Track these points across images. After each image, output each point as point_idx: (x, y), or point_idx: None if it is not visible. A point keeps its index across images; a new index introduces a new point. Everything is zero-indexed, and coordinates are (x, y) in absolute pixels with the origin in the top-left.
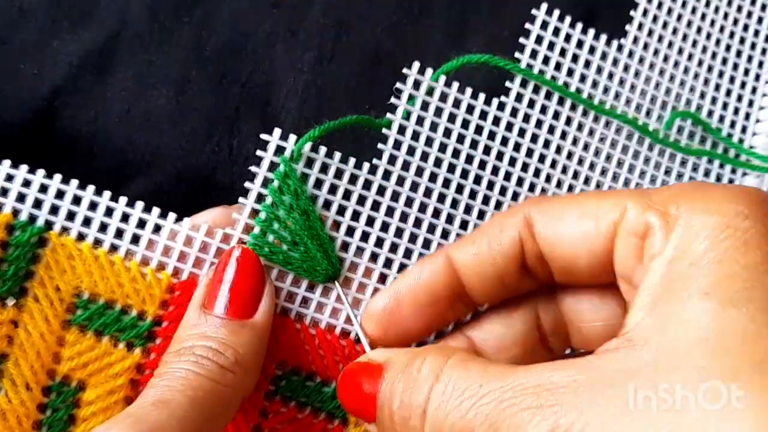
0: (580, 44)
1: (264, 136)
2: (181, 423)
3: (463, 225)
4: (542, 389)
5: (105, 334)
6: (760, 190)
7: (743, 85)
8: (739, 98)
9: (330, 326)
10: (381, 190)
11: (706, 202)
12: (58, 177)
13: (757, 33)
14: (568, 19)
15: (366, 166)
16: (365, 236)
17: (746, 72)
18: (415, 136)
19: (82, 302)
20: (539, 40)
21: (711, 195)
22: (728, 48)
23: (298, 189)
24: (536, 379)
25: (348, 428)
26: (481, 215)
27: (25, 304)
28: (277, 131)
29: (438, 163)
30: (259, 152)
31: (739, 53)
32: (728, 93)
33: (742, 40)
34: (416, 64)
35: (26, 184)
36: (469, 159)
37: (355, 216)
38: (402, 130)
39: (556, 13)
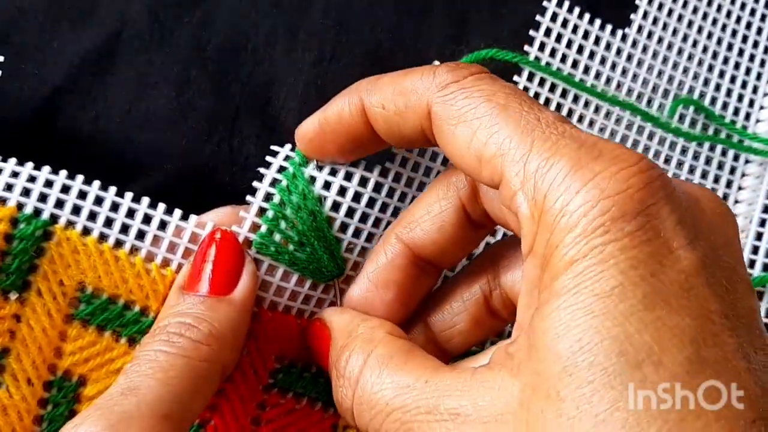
0: (585, 35)
1: (274, 148)
2: (151, 407)
3: None
4: (434, 416)
5: (107, 330)
6: (644, 171)
7: (748, 71)
8: (744, 84)
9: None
10: (390, 192)
11: (571, 201)
12: (63, 173)
13: (764, 17)
14: (576, 10)
15: (378, 168)
16: (369, 238)
17: (751, 58)
18: None
19: (85, 297)
20: (548, 32)
21: (577, 186)
22: (734, 33)
23: (306, 189)
24: (428, 404)
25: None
26: None
27: (28, 298)
28: (288, 146)
29: (445, 163)
30: (268, 158)
31: (745, 38)
32: (732, 79)
33: (748, 25)
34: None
35: (31, 179)
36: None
37: (363, 218)
38: None
39: (566, 4)
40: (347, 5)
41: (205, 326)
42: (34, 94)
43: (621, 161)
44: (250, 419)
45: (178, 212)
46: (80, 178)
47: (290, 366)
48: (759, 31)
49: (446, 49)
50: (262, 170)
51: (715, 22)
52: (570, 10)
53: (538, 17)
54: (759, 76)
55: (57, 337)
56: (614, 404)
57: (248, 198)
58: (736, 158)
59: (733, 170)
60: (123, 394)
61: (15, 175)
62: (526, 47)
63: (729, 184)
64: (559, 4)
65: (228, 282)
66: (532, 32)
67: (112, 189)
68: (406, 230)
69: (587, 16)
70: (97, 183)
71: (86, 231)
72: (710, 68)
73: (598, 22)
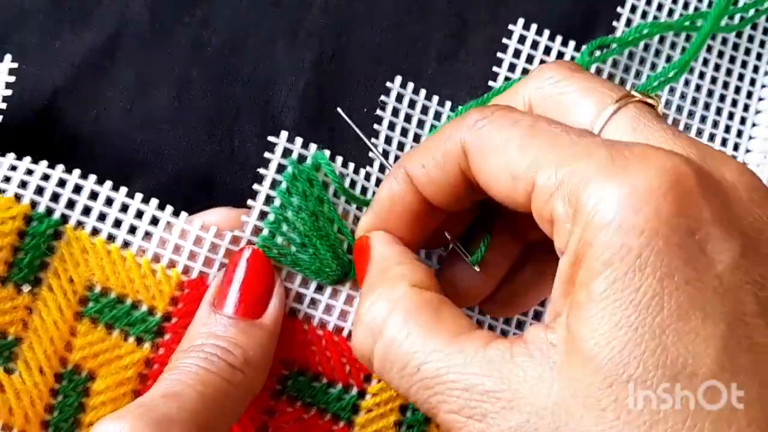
0: (560, 57)
1: (272, 139)
2: (191, 416)
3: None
4: (472, 394)
5: (116, 328)
6: (678, 170)
7: (737, 90)
8: (734, 103)
9: (338, 328)
10: None
11: (603, 198)
12: (77, 172)
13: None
14: (546, 33)
15: (377, 164)
16: None
17: (740, 77)
18: (417, 139)
19: (94, 295)
20: (516, 53)
21: (611, 186)
22: (720, 55)
23: (307, 190)
24: (466, 381)
25: (353, 430)
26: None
27: (40, 292)
28: (284, 134)
29: None
30: (267, 154)
31: (732, 59)
32: (722, 98)
33: (735, 46)
34: (398, 79)
35: (45, 177)
36: None
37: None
38: (404, 132)
39: (534, 27)
40: (347, 5)
41: (239, 353)
42: (34, 94)
43: (654, 160)
44: (258, 425)
45: (183, 215)
46: (92, 177)
47: (299, 373)
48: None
49: (446, 49)
50: (261, 171)
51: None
52: (539, 32)
53: (504, 39)
54: (749, 95)
55: (67, 332)
56: (653, 417)
57: (249, 202)
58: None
59: (736, 148)
60: (165, 396)
61: (30, 172)
62: (495, 68)
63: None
64: (526, 27)
65: (258, 305)
66: (499, 54)
67: (123, 189)
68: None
69: (559, 38)
70: (108, 183)
71: (95, 231)
72: (698, 88)
73: (572, 43)
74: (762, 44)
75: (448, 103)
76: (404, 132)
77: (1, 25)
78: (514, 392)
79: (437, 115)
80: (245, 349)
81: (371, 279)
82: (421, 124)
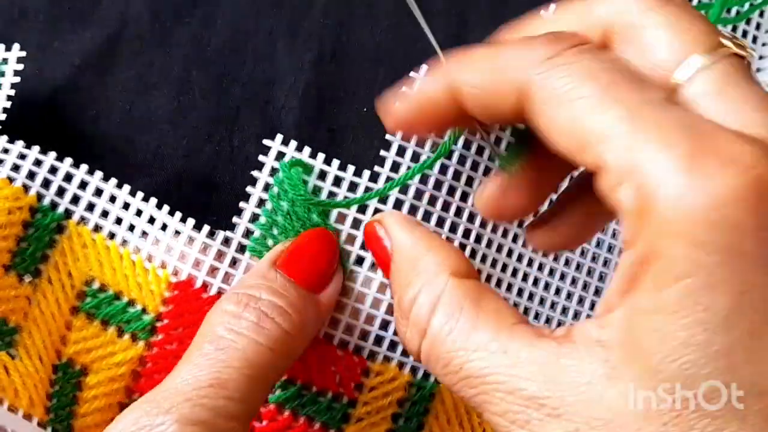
0: None
1: (266, 142)
2: (239, 406)
3: (466, 234)
4: (515, 399)
5: (111, 324)
6: (762, 173)
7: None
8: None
9: (328, 336)
10: (384, 198)
11: (679, 207)
12: (84, 167)
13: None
14: None
15: (366, 173)
16: (364, 245)
17: None
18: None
19: (91, 291)
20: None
21: (688, 187)
22: None
23: (294, 196)
24: (510, 384)
25: None
26: (483, 224)
27: (39, 284)
28: (279, 137)
29: (443, 171)
30: (261, 157)
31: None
32: None
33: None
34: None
35: (53, 170)
36: (475, 166)
37: (356, 224)
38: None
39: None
40: (347, 5)
41: (297, 317)
42: (34, 94)
43: (738, 158)
44: None
45: (178, 215)
46: (99, 174)
47: (289, 381)
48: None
49: (446, 49)
50: (255, 173)
51: None
52: None
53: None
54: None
55: (63, 325)
56: None
57: (241, 204)
58: None
59: None
60: (212, 386)
61: (38, 163)
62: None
63: None
64: None
65: (320, 281)
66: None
67: (126, 187)
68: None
69: None
70: (113, 180)
71: (97, 228)
72: None
73: None
74: (754, 39)
75: None
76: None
77: (1, 25)
78: (560, 399)
79: None
80: (302, 314)
81: (403, 272)
82: None
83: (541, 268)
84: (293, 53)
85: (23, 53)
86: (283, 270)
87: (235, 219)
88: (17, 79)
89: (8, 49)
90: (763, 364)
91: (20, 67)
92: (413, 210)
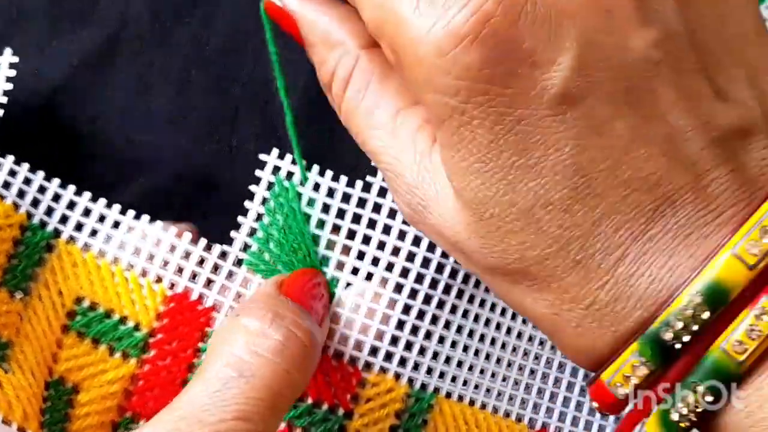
0: None
1: (262, 157)
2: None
3: None
4: (400, 181)
5: (102, 342)
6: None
7: None
8: None
9: (323, 347)
10: (377, 207)
11: (416, 54)
12: (72, 188)
13: None
14: None
15: (359, 183)
16: (361, 255)
17: None
18: None
19: (81, 309)
20: None
21: (422, 40)
22: None
23: (289, 210)
24: (396, 168)
25: None
26: None
27: (30, 301)
28: (275, 151)
29: None
30: (258, 172)
31: None
32: None
33: None
34: None
35: (42, 190)
36: None
37: (350, 234)
38: None
39: None
40: None
41: (314, 339)
42: (33, 94)
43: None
44: None
45: (173, 229)
46: (87, 195)
47: (297, 400)
48: None
49: None
50: (252, 188)
51: None
52: None
53: None
54: None
55: (54, 343)
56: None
57: (239, 219)
58: None
59: None
60: (237, 419)
61: (28, 182)
62: None
63: None
64: None
65: (319, 312)
66: None
67: (116, 207)
68: None
69: None
70: (102, 201)
71: (86, 246)
72: None
73: None
74: None
75: None
76: None
77: (0, 25)
78: (426, 196)
79: None
80: (316, 337)
81: (318, 49)
82: None
83: None
84: (293, 53)
85: (16, 59)
86: (289, 296)
87: (233, 233)
88: (10, 86)
89: (0, 53)
90: (541, 177)
91: (12, 73)
92: None
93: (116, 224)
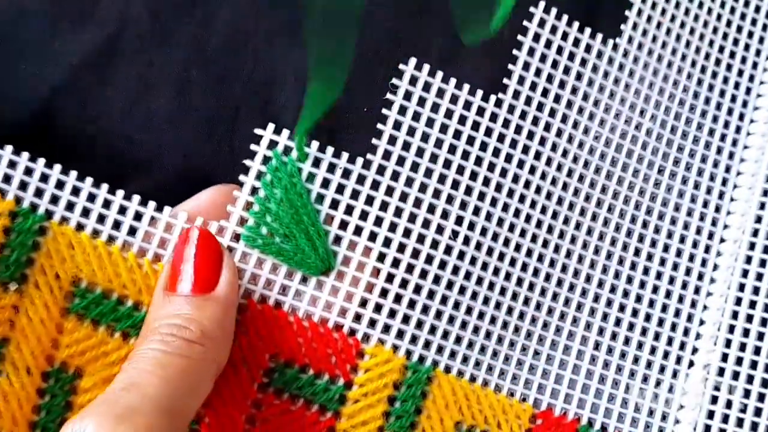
0: (576, 43)
1: (258, 131)
2: (153, 402)
3: (458, 221)
4: None
5: (102, 324)
6: None
7: (737, 85)
8: (733, 98)
9: (323, 319)
10: (375, 185)
11: None
12: (58, 167)
13: (750, 34)
14: (565, 18)
15: (360, 160)
16: (358, 230)
17: (740, 73)
18: (411, 131)
19: (80, 291)
20: (536, 37)
21: None
22: (721, 49)
23: (288, 183)
24: None
25: (340, 421)
26: (477, 211)
27: (26, 290)
28: (271, 126)
29: (434, 158)
30: (252, 146)
31: (732, 54)
32: (722, 93)
33: (735, 41)
34: (413, 60)
35: (28, 172)
36: (465, 155)
37: (348, 210)
38: (398, 125)
39: (554, 11)
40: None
41: (195, 327)
42: (33, 94)
43: None
44: (244, 417)
45: (167, 209)
46: (74, 174)
47: (285, 365)
48: (746, 47)
49: (446, 49)
50: (247, 162)
51: (702, 37)
52: (558, 17)
53: (525, 22)
54: (748, 91)
55: (54, 329)
56: None
57: (235, 193)
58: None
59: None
60: (125, 389)
61: (12, 165)
62: (515, 51)
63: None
64: (547, 11)
65: (209, 279)
66: (520, 37)
67: (104, 186)
68: None
69: (576, 24)
70: (90, 180)
71: (80, 227)
72: (699, 82)
73: (588, 30)
74: (761, 40)
75: (466, 86)
76: (416, 116)
77: (0, 25)
78: None
79: (453, 99)
80: (200, 322)
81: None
82: (435, 107)
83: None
84: (293, 53)
85: None
86: (172, 290)
87: (229, 207)
88: None
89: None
90: None
91: None
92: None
93: (107, 204)
